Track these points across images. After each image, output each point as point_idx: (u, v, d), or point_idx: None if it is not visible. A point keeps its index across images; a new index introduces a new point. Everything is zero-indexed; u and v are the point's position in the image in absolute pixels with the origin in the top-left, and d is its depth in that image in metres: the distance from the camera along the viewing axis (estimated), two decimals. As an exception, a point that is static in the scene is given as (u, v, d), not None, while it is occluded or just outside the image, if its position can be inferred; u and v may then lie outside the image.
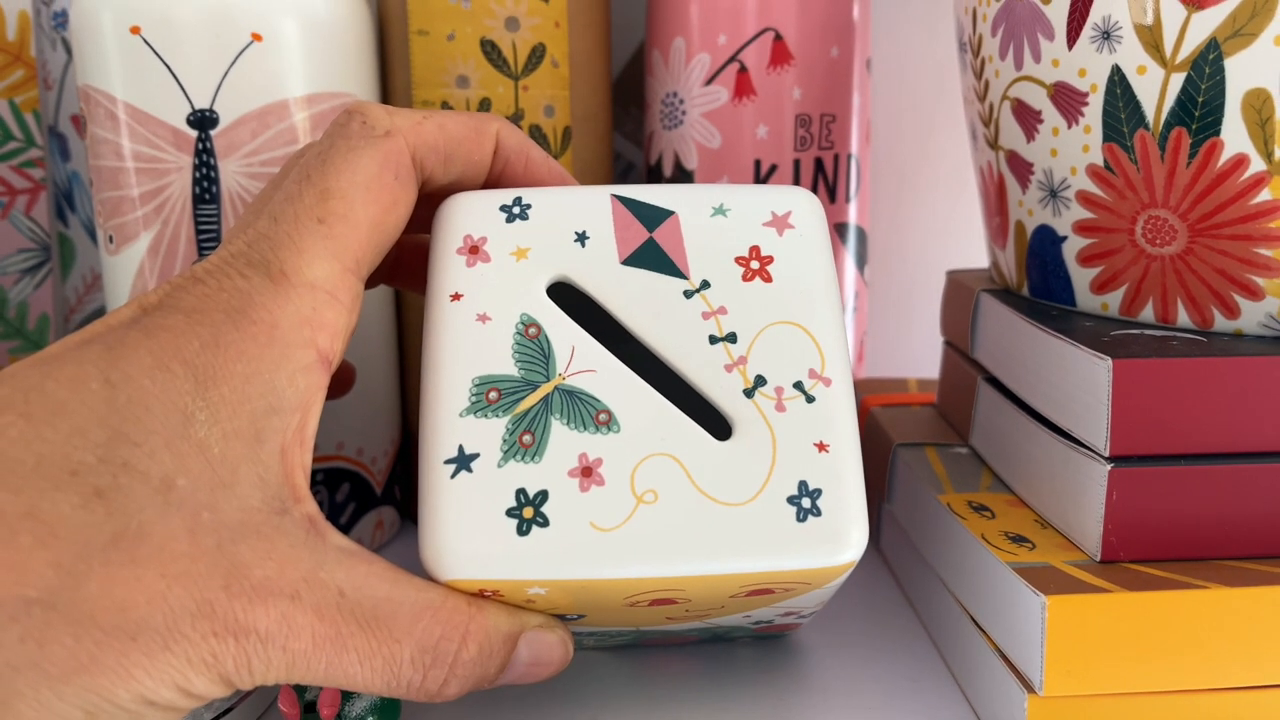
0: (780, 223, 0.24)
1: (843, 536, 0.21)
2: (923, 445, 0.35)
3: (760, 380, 0.22)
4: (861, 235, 0.40)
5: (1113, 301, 0.29)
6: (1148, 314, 0.29)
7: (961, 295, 0.36)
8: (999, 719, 0.26)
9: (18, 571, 0.18)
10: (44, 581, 0.18)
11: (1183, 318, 0.28)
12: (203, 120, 0.32)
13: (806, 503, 0.21)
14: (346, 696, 0.25)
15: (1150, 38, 0.26)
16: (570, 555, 0.21)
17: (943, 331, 0.38)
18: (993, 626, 0.27)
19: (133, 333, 0.20)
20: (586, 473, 0.21)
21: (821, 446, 0.22)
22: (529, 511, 0.21)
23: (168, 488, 0.20)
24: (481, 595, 0.22)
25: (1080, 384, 0.26)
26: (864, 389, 0.41)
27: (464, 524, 0.21)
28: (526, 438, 0.22)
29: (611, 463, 0.21)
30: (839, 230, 0.39)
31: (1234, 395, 0.25)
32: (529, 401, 0.22)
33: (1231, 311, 0.27)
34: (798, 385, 0.22)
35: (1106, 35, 0.27)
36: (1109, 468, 0.25)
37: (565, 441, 0.22)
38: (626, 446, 0.22)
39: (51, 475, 0.19)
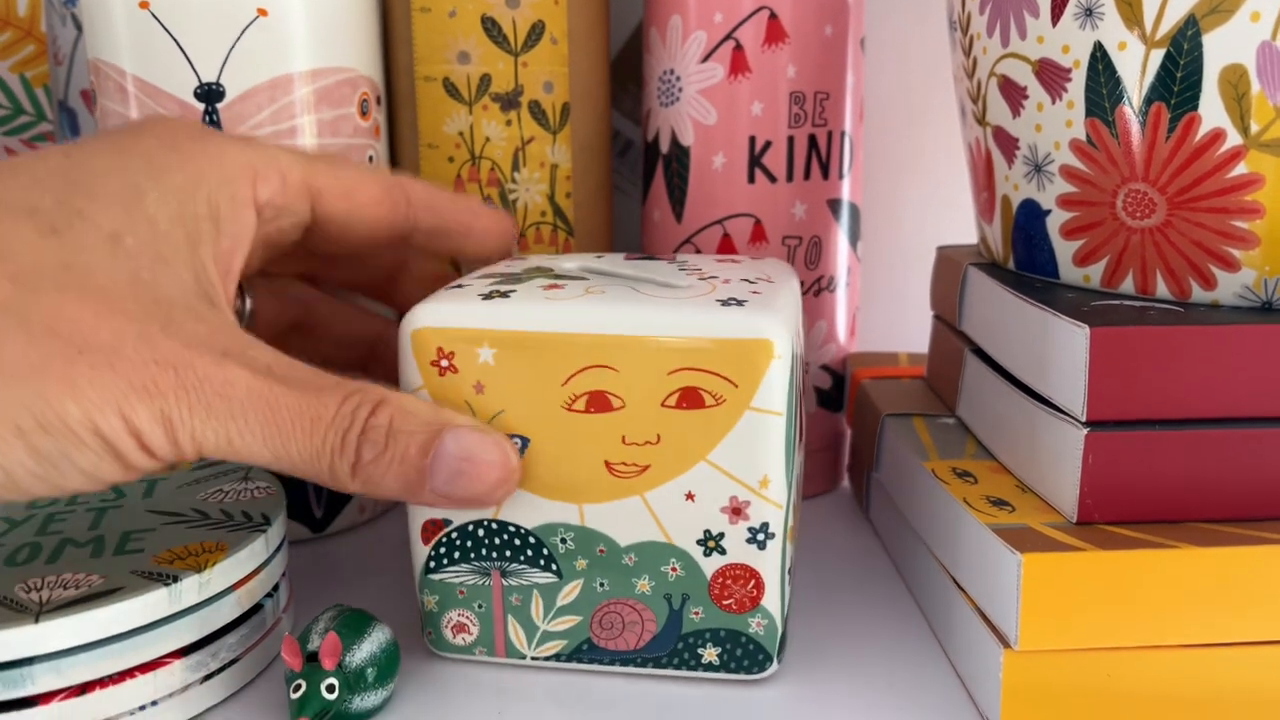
0: None
1: (761, 326, 0.25)
2: (910, 416, 0.36)
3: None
4: (854, 212, 0.40)
5: (1094, 274, 0.30)
6: (1128, 285, 0.29)
7: (950, 269, 0.36)
8: (977, 674, 0.27)
9: None
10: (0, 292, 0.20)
11: (1161, 289, 0.29)
12: (209, 93, 0.33)
13: (733, 302, 0.26)
14: (347, 647, 0.26)
15: (1131, 14, 0.27)
16: (521, 314, 0.26)
17: (932, 306, 0.39)
18: (972, 585, 0.27)
19: (96, 134, 0.24)
20: (552, 287, 0.28)
21: (755, 291, 0.27)
22: (496, 294, 0.27)
23: (116, 241, 0.22)
24: (438, 366, 0.26)
25: (1060, 352, 0.27)
26: (855, 362, 0.42)
27: (440, 299, 0.27)
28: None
29: (572, 286, 0.28)
30: (832, 207, 0.39)
31: (1207, 363, 0.26)
32: None
33: (1208, 283, 0.28)
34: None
35: (1089, 12, 0.28)
36: (1085, 432, 0.26)
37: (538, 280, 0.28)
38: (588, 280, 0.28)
39: (11, 212, 0.21)
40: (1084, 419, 0.26)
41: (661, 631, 0.28)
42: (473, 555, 0.28)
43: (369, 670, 0.26)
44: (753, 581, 0.27)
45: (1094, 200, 0.29)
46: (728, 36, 0.37)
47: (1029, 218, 0.32)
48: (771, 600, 0.27)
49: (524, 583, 0.28)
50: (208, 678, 0.27)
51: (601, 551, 0.27)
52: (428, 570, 0.28)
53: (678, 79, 0.38)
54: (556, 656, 0.28)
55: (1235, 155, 0.27)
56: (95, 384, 0.21)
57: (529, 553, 0.27)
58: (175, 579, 0.26)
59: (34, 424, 0.20)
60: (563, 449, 0.26)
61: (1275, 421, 0.26)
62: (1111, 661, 0.25)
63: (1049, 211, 0.31)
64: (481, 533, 0.28)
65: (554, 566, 0.28)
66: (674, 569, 0.27)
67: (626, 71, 0.49)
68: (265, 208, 0.26)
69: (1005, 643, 0.26)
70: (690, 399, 0.26)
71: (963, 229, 0.50)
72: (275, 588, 0.30)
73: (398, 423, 0.24)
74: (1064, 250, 0.31)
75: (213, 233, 0.24)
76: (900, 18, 0.50)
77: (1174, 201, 0.28)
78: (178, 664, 0.26)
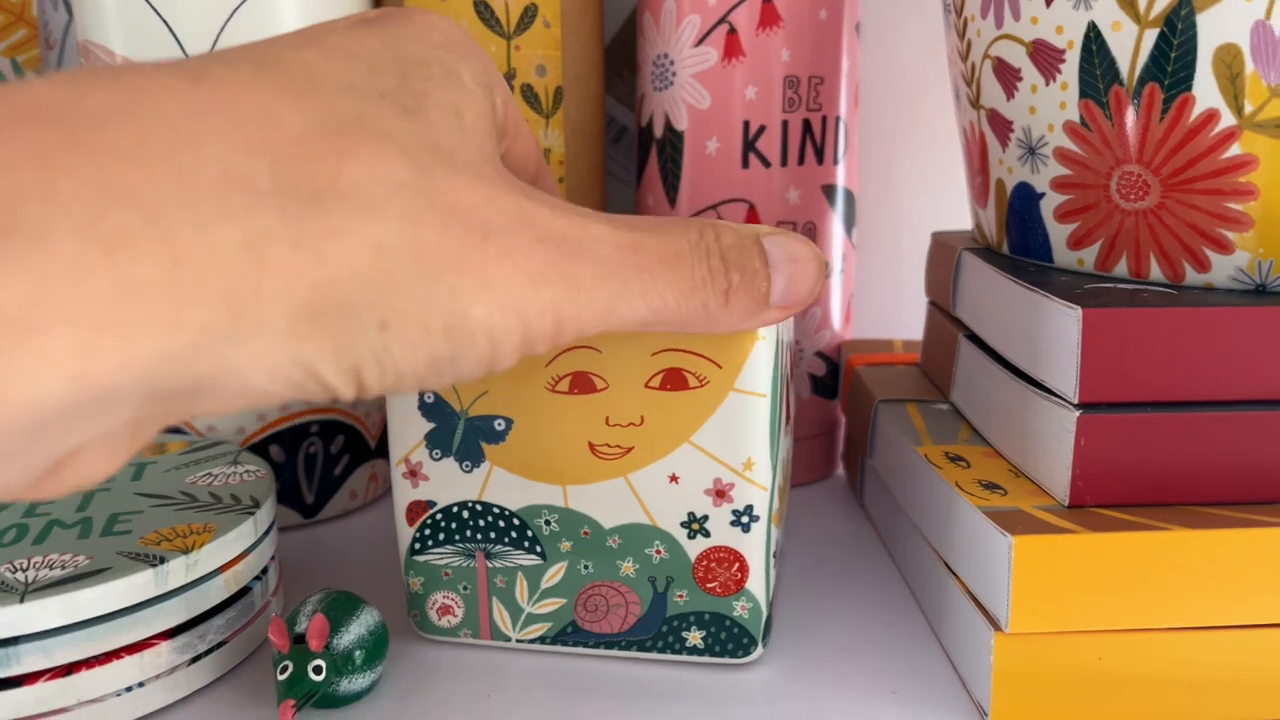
0: None
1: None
2: (904, 402, 0.36)
3: None
4: (849, 197, 0.40)
5: (1088, 257, 0.30)
6: (1122, 268, 0.29)
7: (945, 254, 0.36)
8: (968, 657, 0.27)
9: (384, 162, 0.18)
10: (401, 174, 0.18)
11: (1155, 271, 0.29)
12: (199, 75, 0.32)
13: None
14: (335, 630, 0.26)
15: (1125, -6, 0.27)
16: None
17: (927, 291, 0.39)
18: (963, 568, 0.27)
19: (374, 17, 0.21)
20: None
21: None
22: None
23: (459, 116, 0.20)
24: None
25: (1052, 334, 0.27)
26: (850, 349, 0.42)
27: None
28: None
29: None
30: (827, 192, 0.39)
31: (1200, 345, 0.26)
32: None
33: (1202, 265, 0.28)
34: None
35: (1083, -8, 0.27)
36: (1077, 414, 0.26)
37: None
38: None
39: (365, 94, 0.19)
40: (1076, 401, 0.26)
41: (646, 614, 0.28)
42: (457, 537, 0.28)
43: (357, 653, 0.26)
44: (737, 565, 0.27)
45: (1088, 183, 0.29)
46: (721, 20, 0.37)
47: (1023, 201, 0.31)
48: (756, 584, 0.27)
49: (508, 565, 0.28)
50: (195, 660, 0.27)
51: (585, 534, 0.27)
52: (413, 552, 0.28)
53: (671, 63, 0.38)
54: (541, 639, 0.28)
55: (1229, 136, 0.26)
56: (500, 276, 0.19)
57: (513, 534, 0.27)
58: (162, 560, 0.26)
59: (442, 326, 0.18)
60: (546, 430, 0.26)
61: (1268, 404, 0.26)
62: (1102, 644, 0.25)
63: (1043, 195, 0.31)
64: (466, 514, 0.28)
65: (538, 548, 0.27)
66: (658, 551, 0.27)
67: (621, 56, 0.49)
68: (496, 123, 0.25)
69: (996, 625, 0.25)
70: (674, 380, 0.25)
71: (958, 214, 0.50)
72: (264, 571, 0.30)
73: (737, 239, 0.23)
74: (1058, 234, 0.31)
75: (502, 117, 0.23)
76: (894, 1, 0.49)
77: (1168, 183, 0.27)
78: (165, 645, 0.26)
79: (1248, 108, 0.26)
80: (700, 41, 0.37)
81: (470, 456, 0.27)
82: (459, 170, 0.19)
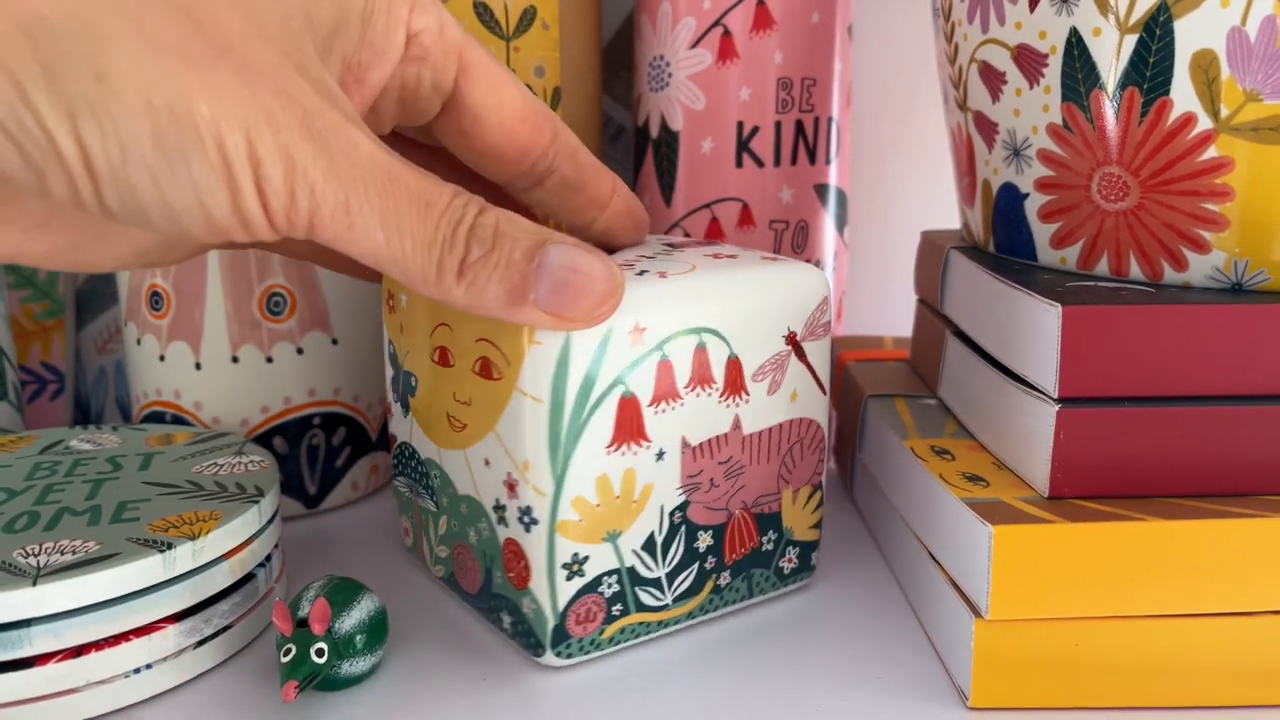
0: None
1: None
2: (893, 397, 0.37)
3: None
4: (841, 197, 0.41)
5: (1070, 256, 0.31)
6: (1103, 267, 0.30)
7: (933, 253, 0.37)
8: (950, 643, 0.28)
9: None
10: None
11: (1135, 270, 0.30)
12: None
13: None
14: (337, 614, 0.26)
15: (1105, 0, 0.27)
16: None
17: (916, 289, 0.39)
18: (946, 558, 0.28)
19: None
20: None
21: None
22: None
23: None
24: (388, 304, 0.31)
25: (1034, 331, 0.28)
26: (841, 346, 0.43)
27: None
28: None
29: None
30: (819, 192, 0.40)
31: (1177, 342, 0.27)
32: None
33: (1180, 264, 0.29)
34: None
35: (1065, -2, 0.28)
36: (1057, 409, 0.27)
37: None
38: None
39: None
40: (1056, 396, 0.27)
41: (482, 585, 0.29)
42: (405, 470, 0.31)
43: (358, 637, 0.27)
44: (523, 561, 0.27)
45: (1070, 184, 0.30)
46: (716, 23, 0.38)
47: (1008, 201, 0.32)
48: (539, 588, 0.27)
49: (423, 506, 0.31)
50: (201, 643, 0.28)
51: (450, 494, 0.29)
52: (394, 473, 0.33)
53: (667, 64, 0.39)
54: (443, 579, 0.31)
55: (1206, 139, 0.27)
56: (231, 91, 0.19)
57: (423, 479, 0.31)
58: (170, 546, 0.26)
59: (165, 104, 0.19)
60: (430, 394, 0.29)
61: (1242, 399, 0.27)
62: (1079, 631, 0.26)
63: (1027, 195, 0.31)
64: (406, 452, 0.31)
65: (433, 498, 0.30)
66: (484, 528, 0.28)
67: (618, 57, 0.50)
68: (414, 42, 0.25)
69: (977, 612, 0.26)
70: (485, 369, 0.27)
71: (947, 214, 0.51)
72: (268, 558, 0.30)
73: (504, 226, 0.23)
74: (1041, 233, 0.31)
75: (357, 32, 0.23)
76: (886, 5, 0.50)
77: (1147, 185, 0.28)
78: (172, 629, 0.27)
79: (1224, 111, 0.27)
80: (695, 44, 0.38)
81: (403, 403, 0.31)
82: (235, 2, 0.20)
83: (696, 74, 0.38)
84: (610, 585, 0.27)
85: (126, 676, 0.26)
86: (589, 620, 0.27)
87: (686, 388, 0.27)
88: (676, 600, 0.29)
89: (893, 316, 0.51)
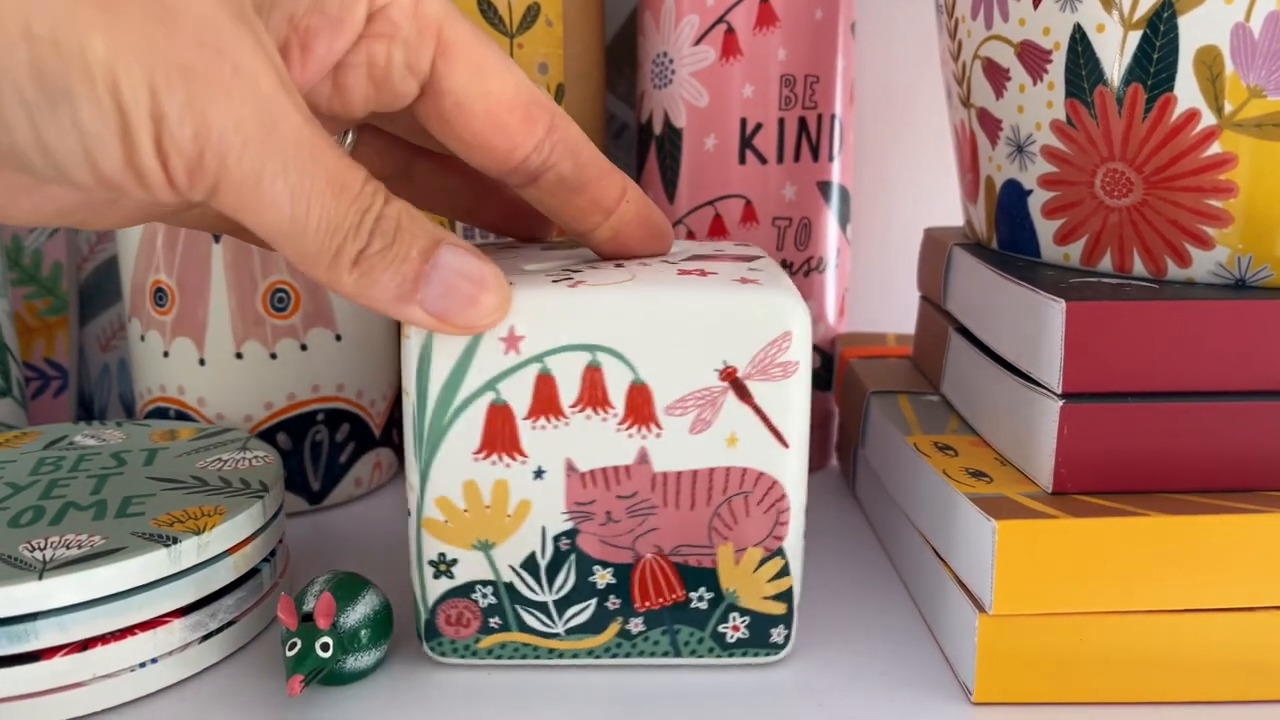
0: None
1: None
2: (896, 393, 0.37)
3: None
4: (844, 194, 0.41)
5: (1074, 252, 0.31)
6: (1106, 264, 0.30)
7: (936, 250, 0.37)
8: (953, 638, 0.28)
9: None
10: None
11: (1138, 267, 0.30)
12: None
13: None
14: (341, 608, 0.26)
15: (1109, -3, 0.27)
16: None
17: (919, 286, 0.40)
18: (949, 553, 0.28)
19: None
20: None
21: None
22: None
23: None
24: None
25: (1038, 327, 0.28)
26: (844, 342, 0.43)
27: None
28: None
29: None
30: (822, 189, 0.40)
31: (1180, 337, 0.27)
32: None
33: (1183, 260, 0.29)
34: None
35: (1069, -5, 0.28)
36: (1061, 404, 0.27)
37: None
38: None
39: None
40: (1060, 391, 0.27)
41: None
42: None
43: (362, 631, 0.27)
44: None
45: (1073, 180, 0.30)
46: (720, 20, 0.38)
47: (1011, 198, 0.32)
48: (414, 578, 0.27)
49: None
50: (206, 637, 0.28)
51: None
52: None
53: (670, 61, 0.39)
54: None
55: (1209, 135, 0.27)
56: (139, 34, 0.17)
57: None
58: (175, 540, 0.26)
59: (49, 34, 0.17)
60: None
61: (1245, 395, 0.27)
62: (1083, 626, 0.26)
63: (1030, 191, 0.31)
64: None
65: None
66: None
67: (622, 55, 0.50)
68: (380, 16, 0.23)
69: (980, 607, 0.26)
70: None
71: (951, 211, 0.51)
72: (272, 553, 0.30)
73: (404, 221, 0.22)
74: (1045, 230, 0.31)
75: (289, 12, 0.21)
76: (889, 2, 0.50)
77: (1150, 181, 0.28)
78: (177, 623, 0.27)
79: (1228, 108, 0.27)
80: (699, 40, 0.38)
81: None
82: None
83: (700, 71, 0.38)
84: (485, 595, 0.27)
85: (132, 670, 0.26)
86: (461, 624, 0.27)
87: (573, 407, 0.26)
88: (570, 632, 0.27)
89: (895, 313, 0.52)
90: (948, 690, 0.27)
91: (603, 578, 0.27)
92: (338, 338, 0.38)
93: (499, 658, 0.28)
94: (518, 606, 0.27)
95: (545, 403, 0.26)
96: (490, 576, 0.27)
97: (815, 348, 0.42)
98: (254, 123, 0.19)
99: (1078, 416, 0.27)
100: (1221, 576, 0.26)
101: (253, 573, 0.29)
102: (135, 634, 0.26)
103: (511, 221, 0.31)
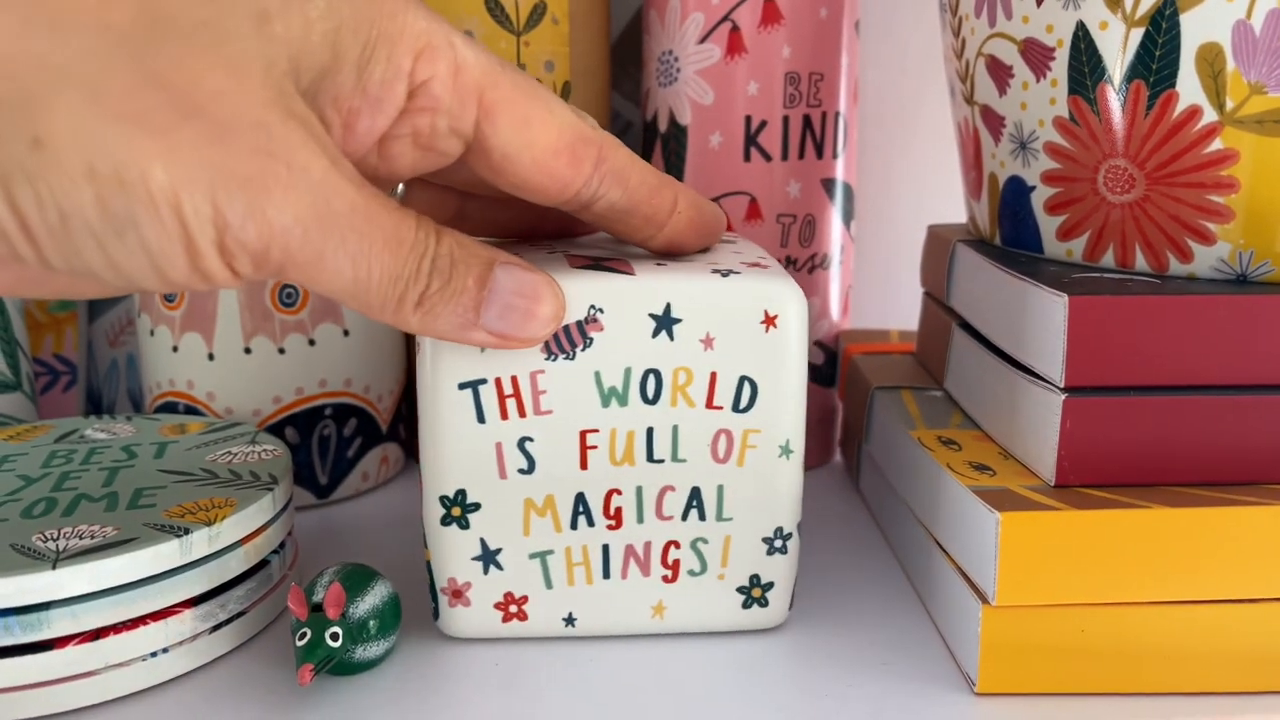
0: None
1: None
2: (899, 388, 0.37)
3: None
4: (848, 191, 0.41)
5: (1076, 248, 0.31)
6: (1108, 259, 0.30)
7: (939, 246, 0.37)
8: (957, 630, 0.28)
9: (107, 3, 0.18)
10: (123, 14, 0.18)
11: (1140, 262, 0.30)
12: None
13: None
14: (351, 599, 0.27)
15: (1112, -6, 0.28)
16: None
17: (922, 282, 0.40)
18: (953, 545, 0.28)
19: None
20: None
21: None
22: None
23: (264, 20, 0.20)
24: None
25: (1040, 321, 0.28)
26: (848, 339, 0.43)
27: None
28: None
29: None
30: (826, 186, 0.40)
31: (1182, 332, 0.27)
32: None
33: (1185, 256, 0.29)
34: None
35: (1072, -8, 0.29)
36: (1063, 398, 0.27)
37: None
38: None
39: None
40: (1062, 385, 0.27)
41: None
42: None
43: (371, 622, 0.27)
44: None
45: (1076, 176, 0.30)
46: (725, 18, 0.38)
47: (1014, 194, 0.33)
48: None
49: None
50: (217, 628, 0.28)
51: None
52: None
53: (676, 60, 0.39)
54: None
55: (1211, 131, 0.27)
56: (198, 156, 0.18)
57: None
58: (186, 531, 0.27)
59: (112, 172, 0.18)
60: None
61: (1246, 389, 0.27)
62: (1085, 617, 0.26)
63: (1033, 188, 0.32)
64: None
65: None
66: None
67: (627, 53, 0.50)
68: (421, 91, 0.23)
69: (984, 599, 0.27)
70: None
71: (954, 208, 0.51)
72: (281, 545, 0.31)
73: (457, 253, 0.23)
74: (1048, 226, 0.32)
75: (351, 80, 0.22)
76: (893, 0, 0.51)
77: (1152, 177, 0.29)
78: (188, 613, 0.27)
79: (1229, 104, 0.27)
80: (704, 39, 0.38)
81: None
82: (211, 52, 0.19)
83: (705, 69, 0.38)
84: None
85: (143, 660, 0.26)
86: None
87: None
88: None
89: (899, 310, 0.52)
90: (951, 681, 0.27)
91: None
92: (345, 333, 0.38)
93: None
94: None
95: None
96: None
97: (819, 343, 0.42)
98: (311, 211, 0.20)
99: (1080, 410, 0.27)
100: (1223, 568, 0.26)
101: (263, 564, 0.30)
102: (147, 624, 0.26)
103: (569, 227, 0.32)
